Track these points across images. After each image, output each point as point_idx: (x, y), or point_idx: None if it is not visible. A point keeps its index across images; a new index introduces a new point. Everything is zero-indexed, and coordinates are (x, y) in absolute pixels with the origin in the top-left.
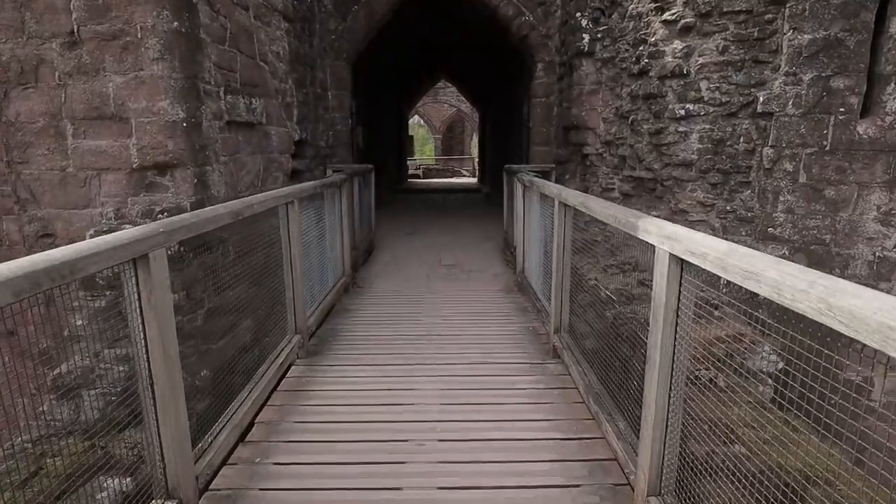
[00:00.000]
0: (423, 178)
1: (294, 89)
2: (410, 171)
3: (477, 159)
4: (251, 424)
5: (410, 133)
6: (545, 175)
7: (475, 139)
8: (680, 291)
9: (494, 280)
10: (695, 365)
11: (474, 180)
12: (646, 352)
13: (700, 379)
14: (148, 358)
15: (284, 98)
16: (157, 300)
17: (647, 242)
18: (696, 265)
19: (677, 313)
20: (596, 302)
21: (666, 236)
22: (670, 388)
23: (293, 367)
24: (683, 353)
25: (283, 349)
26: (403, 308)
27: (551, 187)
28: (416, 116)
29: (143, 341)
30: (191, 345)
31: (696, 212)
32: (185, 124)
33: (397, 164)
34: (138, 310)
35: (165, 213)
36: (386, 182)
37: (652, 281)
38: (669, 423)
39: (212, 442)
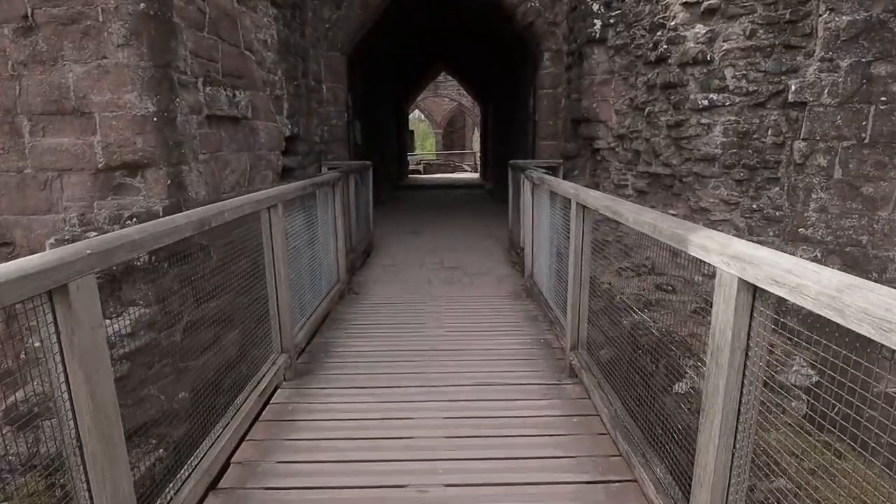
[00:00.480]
0: (424, 174)
1: (284, 81)
2: (411, 167)
3: (479, 154)
4: (226, 464)
5: (411, 128)
6: (552, 171)
7: (476, 133)
8: (751, 326)
9: (500, 284)
10: None
11: (476, 175)
12: (700, 401)
13: None
14: (74, 415)
15: (273, 90)
16: (83, 341)
17: (702, 261)
18: (777, 295)
19: (746, 353)
20: (610, 308)
21: (734, 256)
22: (734, 446)
23: (279, 392)
24: (753, 405)
25: (266, 372)
26: (403, 317)
27: (566, 186)
28: (417, 111)
29: (66, 395)
30: (167, 363)
31: (719, 210)
32: (155, 119)
33: (397, 160)
34: (58, 354)
35: (135, 219)
36: (385, 178)
37: (672, 286)
38: (731, 492)
39: (172, 497)
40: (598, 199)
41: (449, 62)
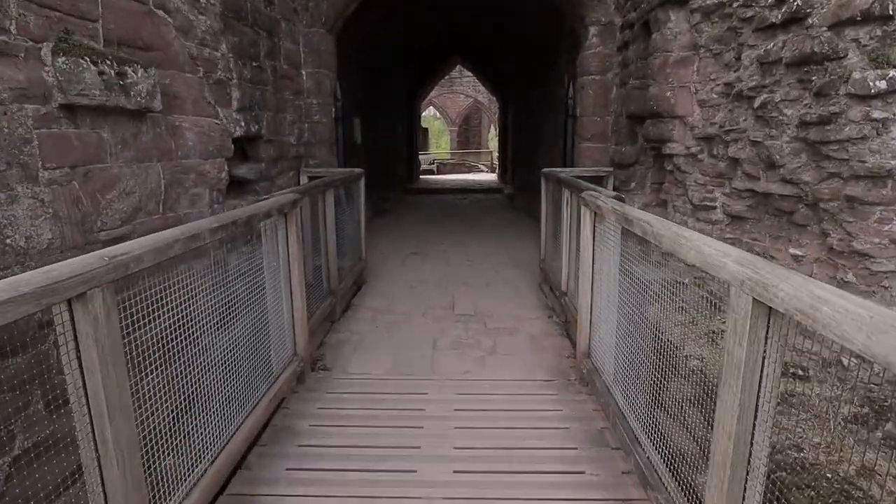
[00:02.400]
0: (438, 174)
1: (232, 61)
2: (424, 167)
3: (496, 154)
4: None
5: (425, 125)
6: (598, 183)
7: (492, 132)
8: None
9: (537, 352)
10: None
11: (493, 177)
12: None
13: None
14: None
15: (212, 72)
16: None
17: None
18: None
19: None
20: (703, 397)
21: None
22: None
23: None
24: None
25: None
26: (388, 430)
27: (711, 249)
28: (432, 108)
29: None
30: None
31: (887, 257)
32: None
33: (408, 162)
34: None
35: None
36: (393, 182)
37: (802, 370)
38: None
39: None
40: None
41: (466, 49)
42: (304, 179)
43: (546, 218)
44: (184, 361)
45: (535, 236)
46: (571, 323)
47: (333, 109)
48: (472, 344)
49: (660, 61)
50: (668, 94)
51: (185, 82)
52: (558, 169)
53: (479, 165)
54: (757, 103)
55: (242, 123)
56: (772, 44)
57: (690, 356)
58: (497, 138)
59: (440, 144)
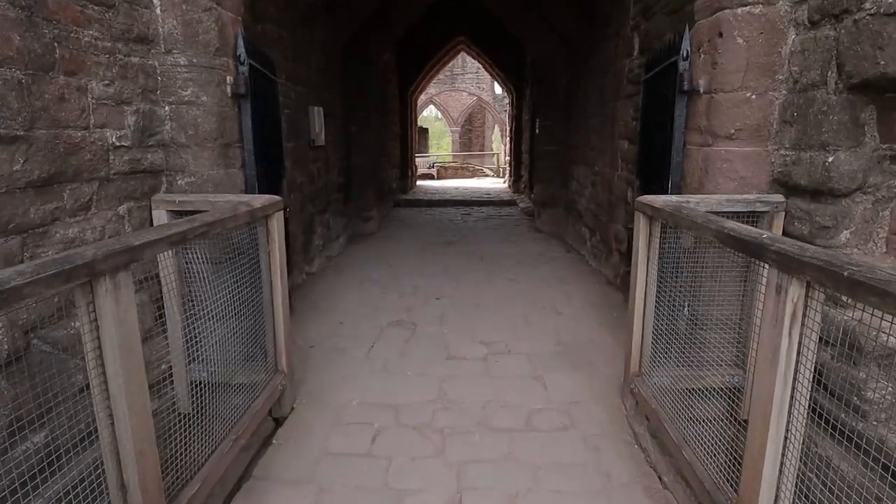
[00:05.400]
0: (438, 179)
1: None
2: (423, 171)
3: (505, 157)
4: None
5: (425, 126)
6: (754, 222)
7: (497, 132)
8: None
9: None
10: None
11: (503, 184)
12: None
13: None
14: None
15: None
16: None
17: None
18: None
19: None
20: None
21: None
22: None
23: None
24: None
25: None
26: None
27: None
28: (432, 108)
29: None
30: None
31: None
32: None
33: (401, 168)
34: None
35: None
36: (381, 193)
37: None
38: None
39: None
40: None
41: (470, 25)
42: (160, 218)
43: (644, 290)
44: None
45: (587, 285)
46: None
47: (231, 79)
48: None
49: None
50: None
51: None
52: (683, 197)
53: (485, 169)
54: None
55: None
56: None
57: None
58: (508, 139)
59: (441, 146)
